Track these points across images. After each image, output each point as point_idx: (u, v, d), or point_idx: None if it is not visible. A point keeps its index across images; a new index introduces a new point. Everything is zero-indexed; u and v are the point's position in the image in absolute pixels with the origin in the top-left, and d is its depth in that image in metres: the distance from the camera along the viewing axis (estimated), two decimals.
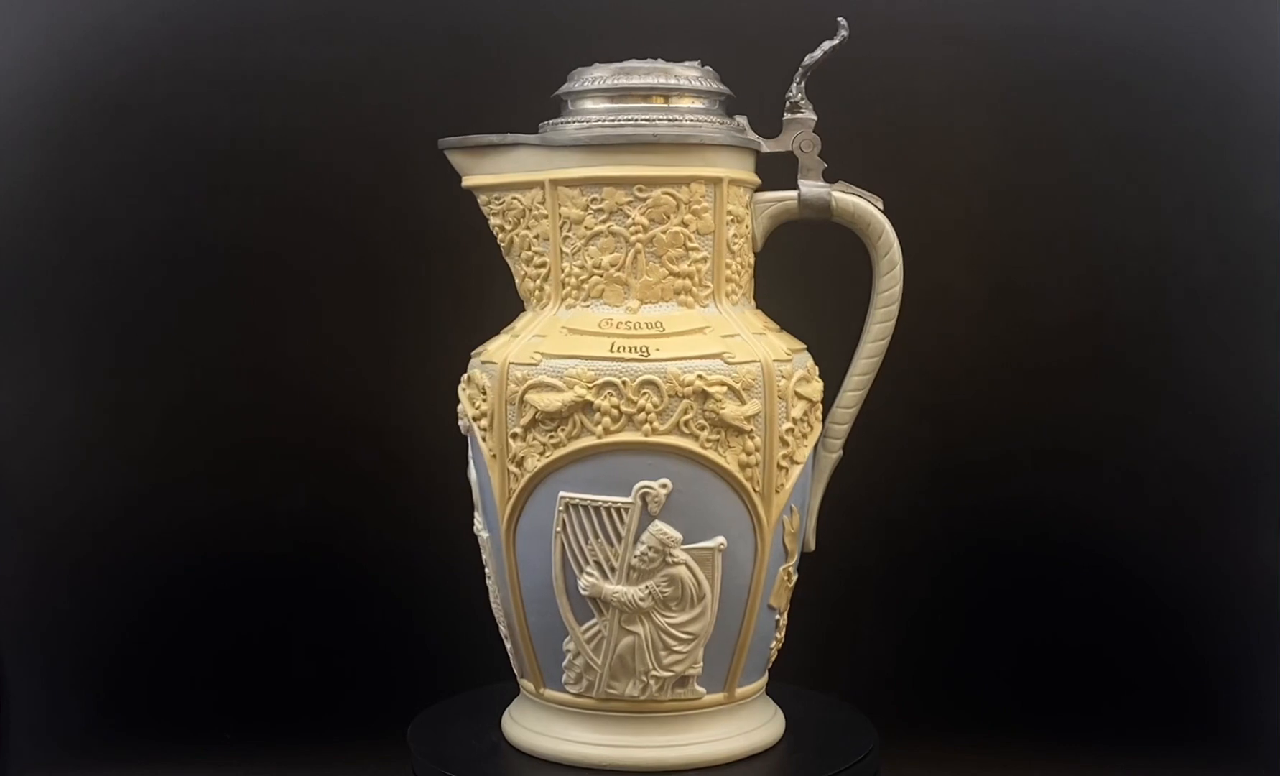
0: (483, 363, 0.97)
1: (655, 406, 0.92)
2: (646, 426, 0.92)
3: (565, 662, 0.96)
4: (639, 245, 0.95)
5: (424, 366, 1.18)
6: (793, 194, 1.00)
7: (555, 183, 0.96)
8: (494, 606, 1.01)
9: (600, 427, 0.92)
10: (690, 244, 0.96)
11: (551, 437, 0.93)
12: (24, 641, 1.28)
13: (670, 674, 0.95)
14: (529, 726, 1.00)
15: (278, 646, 1.31)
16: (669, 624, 0.94)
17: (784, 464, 0.95)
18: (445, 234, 1.27)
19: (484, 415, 0.96)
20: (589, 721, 0.97)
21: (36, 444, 1.29)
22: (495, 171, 0.99)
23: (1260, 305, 1.26)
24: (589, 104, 0.99)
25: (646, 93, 0.97)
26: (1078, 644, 1.30)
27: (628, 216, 0.95)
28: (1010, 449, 1.30)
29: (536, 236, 0.98)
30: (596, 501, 0.93)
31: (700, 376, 0.92)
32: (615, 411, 0.92)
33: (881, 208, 1.01)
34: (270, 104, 1.29)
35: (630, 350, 0.93)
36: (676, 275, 0.96)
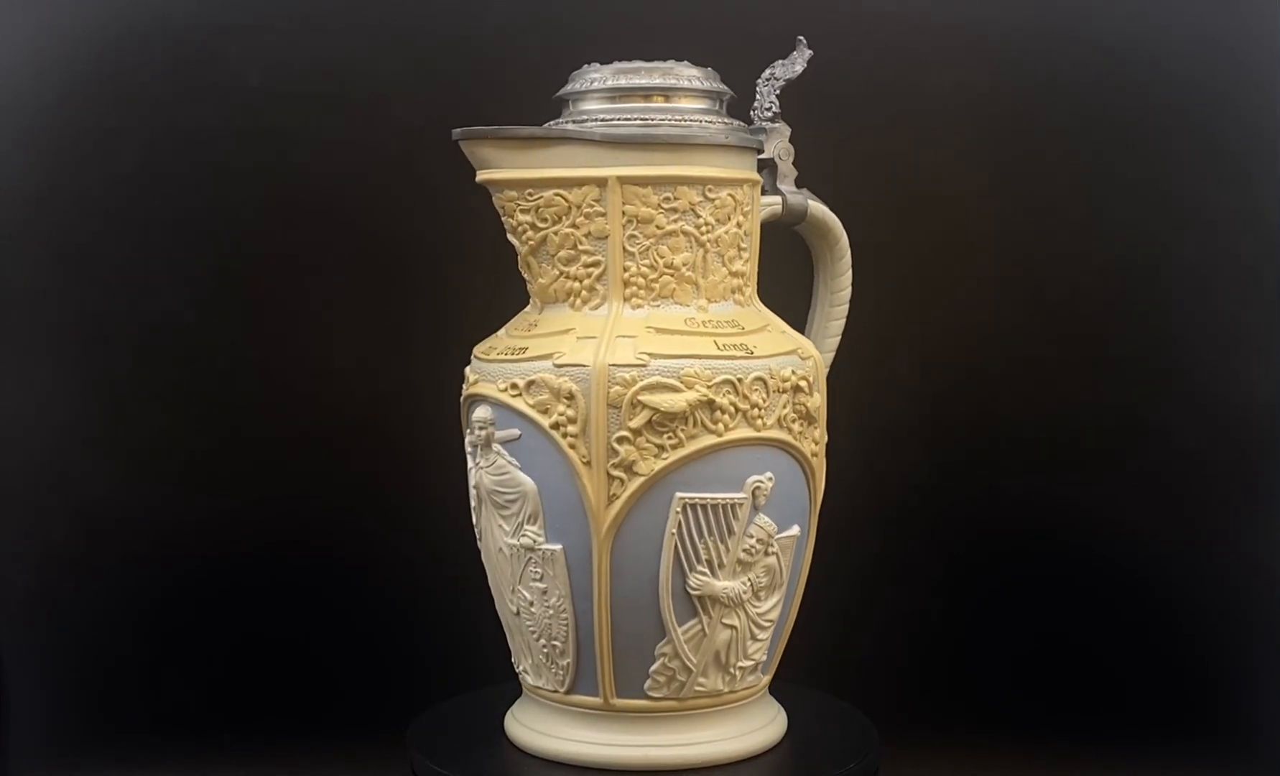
0: (558, 366, 0.93)
1: (763, 402, 0.94)
2: (759, 421, 0.94)
3: (655, 667, 0.95)
4: (708, 244, 0.97)
5: (423, 367, 1.20)
6: (777, 199, 1.05)
7: (622, 180, 0.94)
8: (542, 620, 0.96)
9: (720, 425, 0.93)
10: (742, 244, 0.99)
11: (670, 439, 0.92)
12: (24, 641, 1.28)
13: (751, 662, 0.98)
14: (534, 727, 1.00)
15: (277, 647, 1.30)
16: (757, 614, 0.97)
17: (825, 453, 1.01)
18: (442, 234, 1.28)
19: (570, 420, 0.92)
20: (597, 722, 0.97)
21: (37, 444, 1.29)
22: (533, 166, 0.95)
23: (1261, 305, 1.27)
24: (591, 104, 0.98)
25: (648, 92, 0.98)
26: (1078, 643, 1.30)
27: (699, 216, 0.96)
28: (1011, 449, 1.31)
29: (587, 235, 0.95)
30: (715, 500, 0.93)
31: (793, 371, 0.96)
32: (733, 409, 0.93)
33: None
34: (270, 102, 1.28)
35: (735, 348, 0.95)
36: (733, 274, 0.98)
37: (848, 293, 1.09)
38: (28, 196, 1.27)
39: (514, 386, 0.94)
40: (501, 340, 0.99)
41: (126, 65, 1.27)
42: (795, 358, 0.97)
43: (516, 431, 0.95)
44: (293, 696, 1.28)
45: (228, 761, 1.22)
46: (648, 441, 0.92)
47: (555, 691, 0.98)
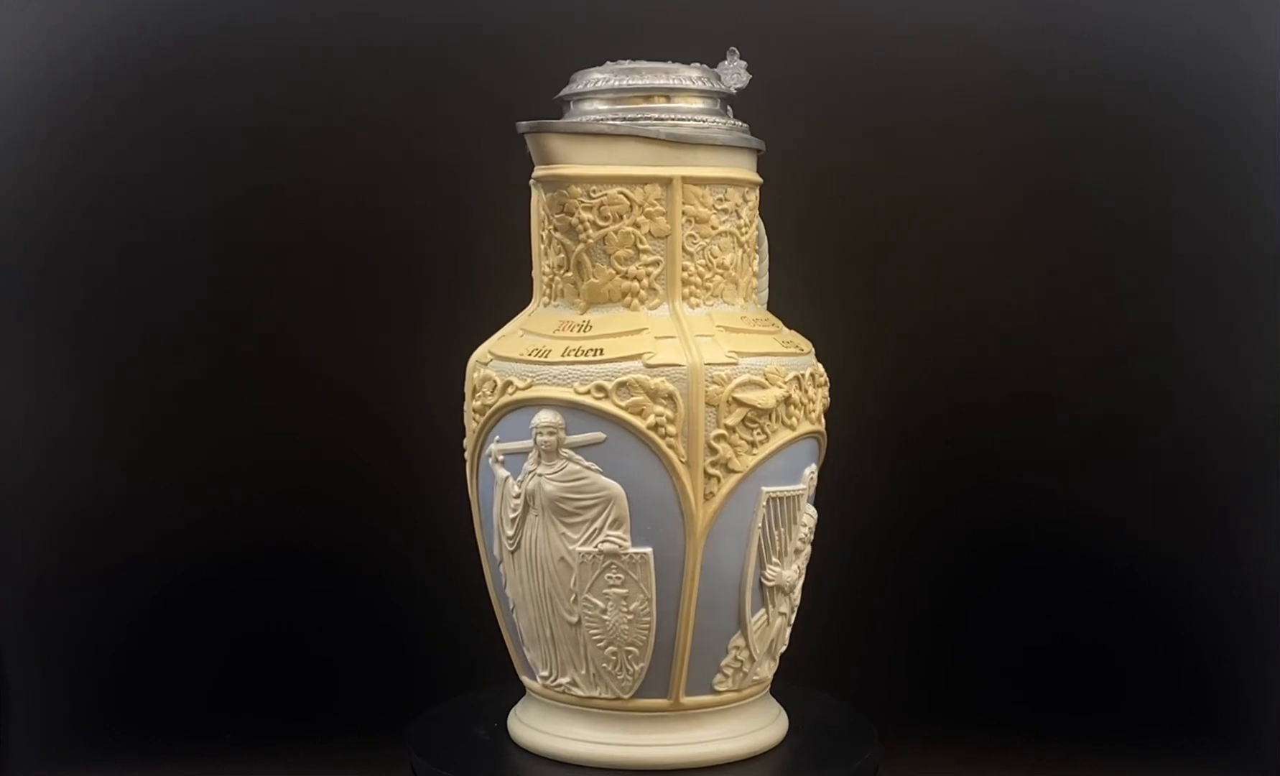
0: (649, 366, 0.92)
1: (814, 396, 0.98)
2: (812, 414, 0.98)
3: (726, 660, 0.96)
4: (745, 244, 0.99)
5: (424, 366, 1.20)
6: None
7: (686, 180, 0.95)
8: (617, 627, 0.94)
9: (794, 420, 0.96)
10: (757, 247, 1.02)
11: (759, 435, 0.94)
12: (24, 641, 1.28)
13: (784, 647, 1.01)
14: (534, 726, 1.00)
15: (277, 646, 1.30)
16: (793, 601, 1.00)
17: None
18: (445, 235, 1.29)
19: (669, 421, 0.92)
20: (600, 722, 0.97)
21: (36, 443, 1.29)
22: (599, 162, 0.94)
23: (1261, 305, 1.25)
24: (593, 105, 0.98)
25: (649, 92, 0.98)
26: (1078, 643, 1.29)
27: (739, 217, 0.98)
28: (1011, 449, 1.30)
29: (648, 234, 0.95)
30: (789, 492, 0.96)
31: (821, 368, 1.01)
32: (800, 403, 0.96)
33: None
34: (269, 103, 1.28)
35: (791, 345, 0.98)
36: (754, 274, 1.01)
37: (766, 295, 1.13)
38: (27, 196, 1.27)
39: (599, 388, 0.92)
40: (550, 342, 0.95)
41: (128, 62, 1.27)
42: (813, 355, 1.01)
43: (602, 435, 0.92)
44: (293, 696, 1.28)
45: (228, 760, 1.21)
46: (740, 438, 0.93)
47: (617, 699, 0.96)
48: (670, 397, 0.92)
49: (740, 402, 0.93)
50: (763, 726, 1.00)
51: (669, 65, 0.99)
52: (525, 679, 1.01)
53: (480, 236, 1.26)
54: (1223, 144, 1.26)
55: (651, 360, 0.92)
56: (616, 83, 0.98)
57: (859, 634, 1.30)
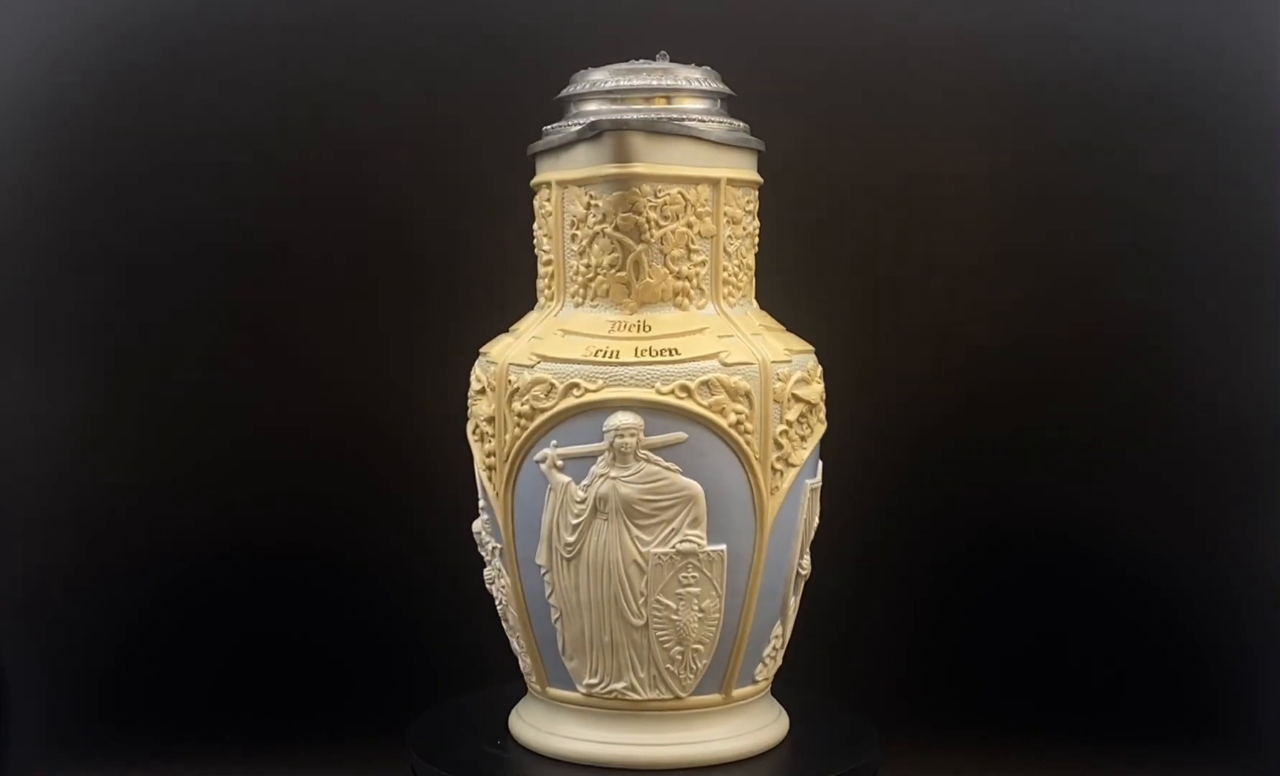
0: (726, 364, 0.93)
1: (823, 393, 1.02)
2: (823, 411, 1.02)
3: (768, 650, 0.99)
4: (758, 246, 1.02)
5: (426, 366, 1.21)
6: None
7: (730, 182, 0.97)
8: (687, 626, 0.94)
9: (822, 415, 1.00)
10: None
11: (806, 430, 0.97)
12: (24, 641, 1.28)
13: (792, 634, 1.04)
14: (536, 725, 1.00)
15: (278, 647, 1.31)
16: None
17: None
18: (447, 235, 1.29)
19: (747, 418, 0.93)
20: (597, 720, 0.97)
21: (37, 444, 1.29)
22: (665, 161, 0.94)
23: (1262, 305, 1.25)
24: (594, 105, 0.99)
25: (650, 94, 0.99)
26: (1078, 643, 1.29)
27: (755, 219, 1.01)
28: (1012, 448, 1.29)
29: (698, 234, 0.96)
30: (817, 484, 1.00)
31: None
32: (823, 398, 1.00)
33: None
34: (271, 101, 1.29)
35: (806, 343, 1.02)
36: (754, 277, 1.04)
37: None
38: (28, 196, 1.27)
39: (682, 388, 0.92)
40: (611, 343, 0.94)
41: (124, 64, 1.27)
42: None
43: (684, 435, 0.92)
44: (293, 696, 1.29)
45: (228, 760, 1.22)
46: (794, 434, 0.96)
47: (677, 698, 0.96)
48: (746, 395, 0.93)
49: (798, 398, 0.96)
50: (764, 725, 1.01)
51: (673, 65, 0.99)
52: (554, 689, 0.98)
53: (481, 237, 1.23)
54: (1223, 144, 1.26)
55: (728, 359, 0.93)
56: (614, 84, 0.98)
57: (859, 633, 1.30)
